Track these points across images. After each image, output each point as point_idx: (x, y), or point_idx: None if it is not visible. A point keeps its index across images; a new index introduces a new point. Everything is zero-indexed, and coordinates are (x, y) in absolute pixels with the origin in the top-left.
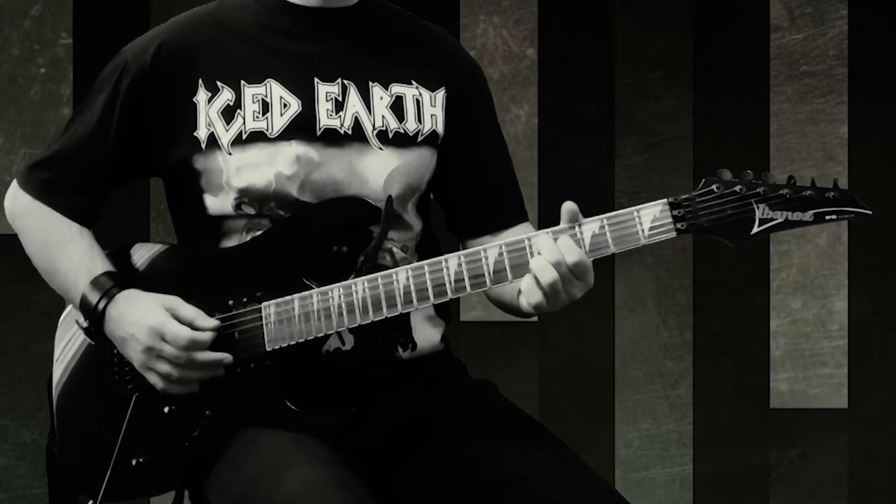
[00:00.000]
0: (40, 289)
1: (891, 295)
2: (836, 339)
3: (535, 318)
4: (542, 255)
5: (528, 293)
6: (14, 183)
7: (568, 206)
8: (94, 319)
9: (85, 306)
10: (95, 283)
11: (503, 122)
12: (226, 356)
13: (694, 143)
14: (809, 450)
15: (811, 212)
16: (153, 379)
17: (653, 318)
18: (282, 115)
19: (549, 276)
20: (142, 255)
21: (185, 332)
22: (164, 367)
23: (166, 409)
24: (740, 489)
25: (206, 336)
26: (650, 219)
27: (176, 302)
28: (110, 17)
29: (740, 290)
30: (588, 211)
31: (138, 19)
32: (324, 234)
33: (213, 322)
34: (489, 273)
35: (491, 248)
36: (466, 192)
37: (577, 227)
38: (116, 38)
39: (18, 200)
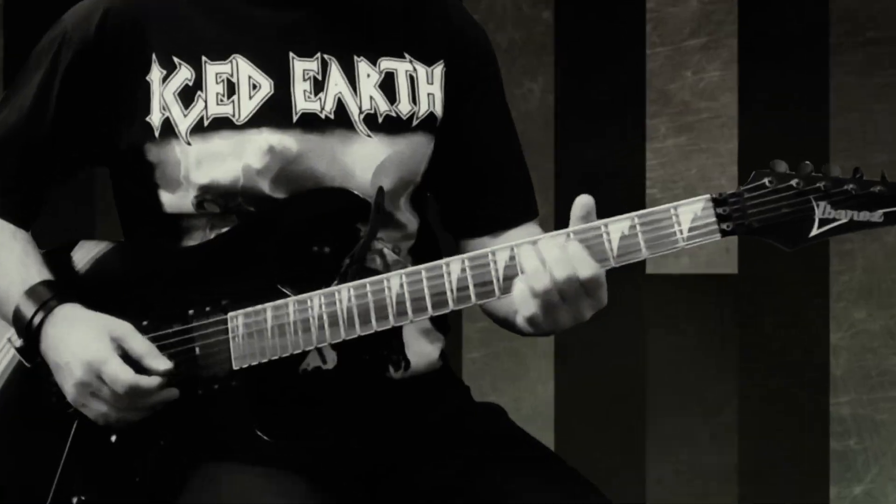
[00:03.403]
0: None
1: None
2: None
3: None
4: (541, 260)
5: (520, 303)
6: None
7: (582, 202)
8: (29, 336)
9: (18, 321)
10: (31, 293)
11: (513, 99)
12: (172, 393)
13: (739, 124)
14: (877, 486)
15: (881, 211)
16: (90, 415)
17: (690, 329)
18: (251, 97)
19: (542, 282)
20: (84, 254)
21: (126, 377)
22: (101, 408)
23: (114, 438)
24: None
25: (152, 383)
26: (690, 218)
27: (125, 331)
28: None
29: (795, 296)
30: (614, 206)
31: None
32: (302, 231)
33: (164, 365)
34: (498, 280)
35: (501, 251)
36: (466, 185)
37: (602, 228)
38: (49, 2)
39: None
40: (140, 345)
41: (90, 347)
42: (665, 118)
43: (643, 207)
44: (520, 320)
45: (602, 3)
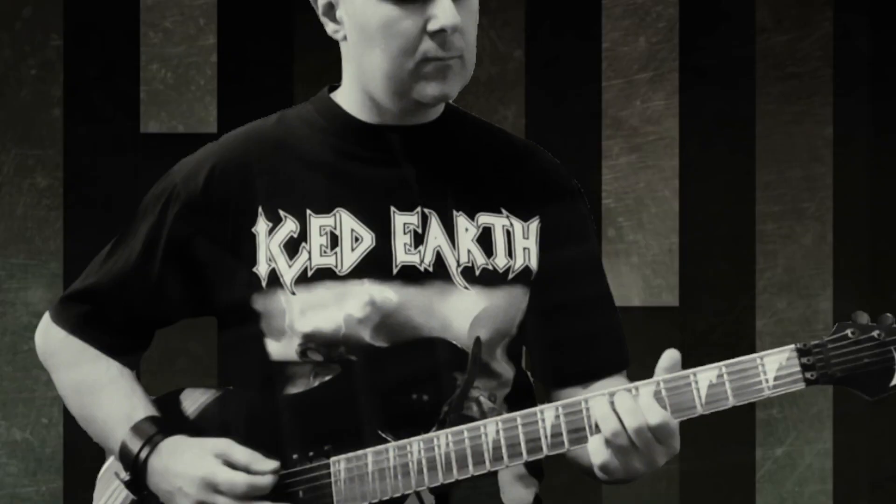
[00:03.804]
0: (31, 287)
1: (875, 295)
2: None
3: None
4: (616, 412)
5: (594, 451)
6: (45, 317)
7: (670, 356)
8: (136, 471)
9: (125, 456)
10: (136, 429)
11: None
12: None
13: (680, 144)
14: (795, 449)
15: None
16: None
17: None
18: (353, 249)
19: (613, 430)
20: (192, 401)
21: (241, 478)
22: None
23: None
24: (726, 488)
25: (266, 481)
26: (776, 367)
27: (226, 446)
28: (101, 18)
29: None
30: None
31: (129, 21)
32: (402, 380)
33: (271, 464)
34: (591, 427)
35: (597, 401)
36: (559, 337)
37: (691, 377)
38: (108, 40)
39: (51, 336)
40: (242, 454)
41: (199, 465)
42: (618, 139)
43: (600, 216)
44: (595, 469)
45: (564, 42)
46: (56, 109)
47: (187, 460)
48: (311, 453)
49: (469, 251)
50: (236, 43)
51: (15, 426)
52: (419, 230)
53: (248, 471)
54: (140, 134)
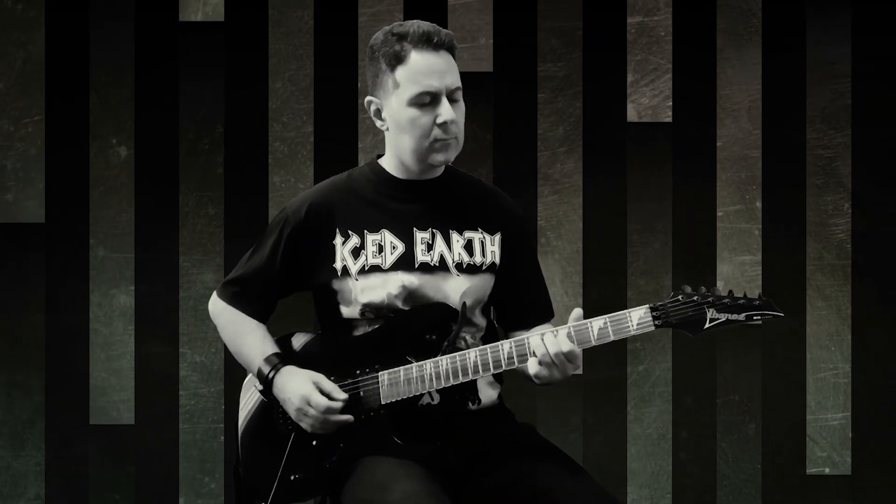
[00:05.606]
0: (205, 273)
1: (694, 278)
2: None
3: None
4: (544, 344)
5: (531, 365)
6: (214, 293)
7: (576, 313)
8: (266, 384)
9: (259, 375)
10: (267, 360)
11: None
12: (349, 417)
13: (583, 190)
14: (650, 366)
15: (744, 314)
16: (304, 427)
17: None
18: (392, 253)
19: (542, 353)
20: (298, 340)
21: (324, 402)
22: (309, 422)
23: (314, 443)
24: (609, 390)
25: (338, 405)
26: (637, 318)
27: (320, 378)
28: (245, 114)
29: None
30: None
31: (261, 119)
32: (420, 327)
33: (344, 395)
34: (530, 354)
35: (532, 337)
36: (511, 301)
37: (588, 324)
38: (250, 127)
39: (217, 304)
40: (328, 384)
41: (302, 387)
42: (547, 186)
43: (537, 230)
44: (532, 377)
45: (515, 130)
46: (220, 169)
47: (296, 382)
48: (367, 370)
49: (459, 253)
50: (324, 129)
51: (196, 353)
52: (430, 241)
53: (329, 397)
54: (267, 183)
